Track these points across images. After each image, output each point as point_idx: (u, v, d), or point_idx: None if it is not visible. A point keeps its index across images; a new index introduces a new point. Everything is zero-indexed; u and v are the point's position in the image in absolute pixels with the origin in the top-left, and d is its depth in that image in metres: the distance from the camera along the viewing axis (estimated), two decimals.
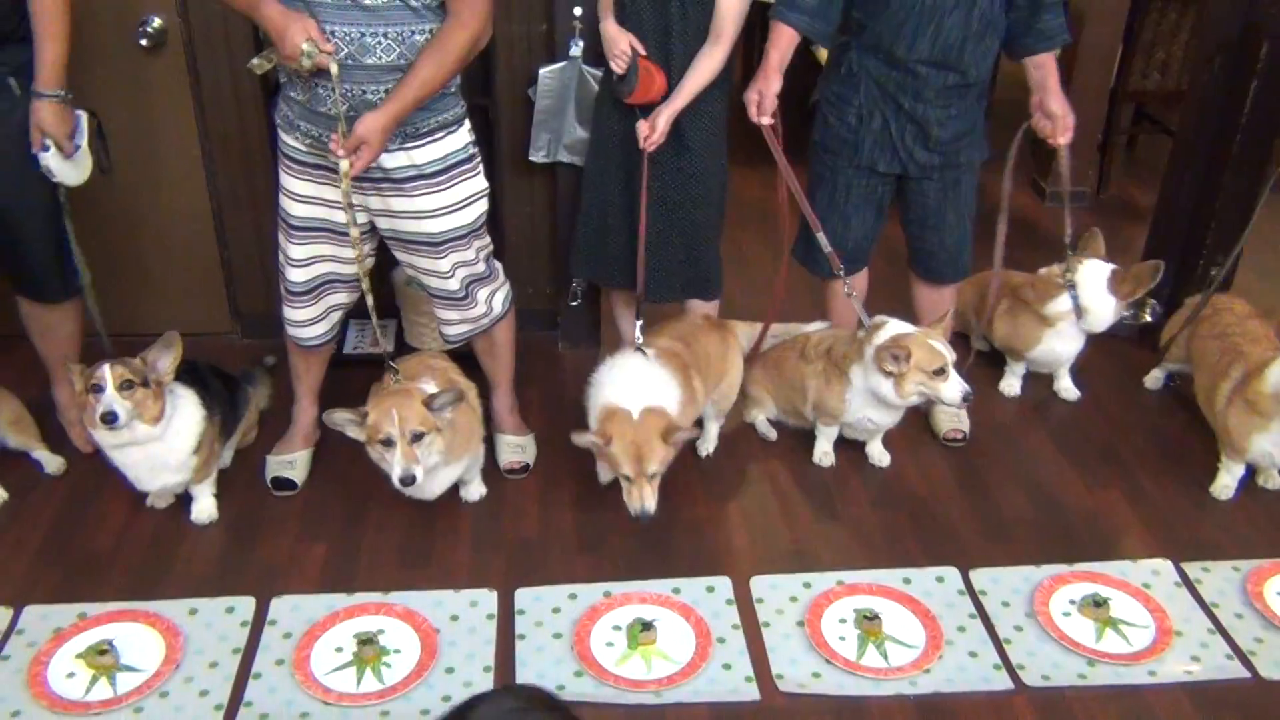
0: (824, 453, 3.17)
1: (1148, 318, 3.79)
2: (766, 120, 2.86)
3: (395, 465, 2.50)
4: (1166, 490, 3.05)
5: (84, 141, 2.72)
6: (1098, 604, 2.63)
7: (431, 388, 2.66)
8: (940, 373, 2.82)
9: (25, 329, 3.04)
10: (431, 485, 2.71)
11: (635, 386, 2.74)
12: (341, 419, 2.56)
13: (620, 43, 2.79)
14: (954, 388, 2.83)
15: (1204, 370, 3.14)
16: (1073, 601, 2.64)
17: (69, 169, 2.69)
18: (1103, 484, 3.07)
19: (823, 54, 3.37)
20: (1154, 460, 3.16)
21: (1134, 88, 4.83)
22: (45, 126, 2.60)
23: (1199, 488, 3.04)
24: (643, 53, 2.79)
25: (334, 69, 2.39)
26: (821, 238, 2.99)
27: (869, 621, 2.57)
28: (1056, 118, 2.91)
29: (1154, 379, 3.52)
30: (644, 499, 2.65)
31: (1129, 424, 3.35)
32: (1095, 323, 3.24)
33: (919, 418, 3.32)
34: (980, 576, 2.72)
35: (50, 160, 2.64)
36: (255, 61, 2.58)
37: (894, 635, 2.54)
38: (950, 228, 3.03)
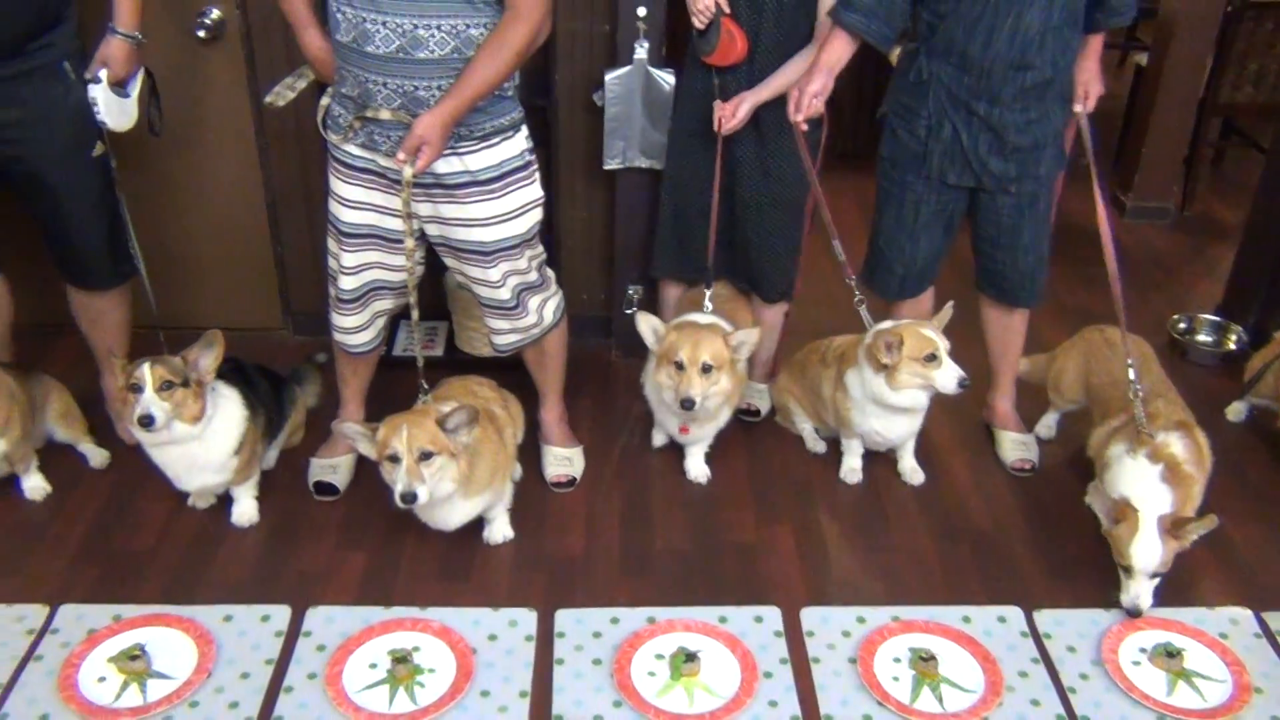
0: (851, 469, 3.07)
1: (1231, 346, 3.61)
2: (800, 118, 2.75)
3: (398, 482, 2.41)
4: (1248, 533, 2.87)
5: (134, 93, 2.72)
6: (1170, 654, 2.48)
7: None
8: (932, 359, 2.75)
9: (75, 319, 3.02)
10: (448, 516, 2.62)
11: (699, 319, 2.92)
12: (352, 431, 2.49)
13: None
14: (948, 375, 2.75)
15: None
16: (1143, 650, 2.50)
17: (114, 108, 2.67)
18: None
19: (894, 57, 3.23)
20: (1235, 500, 2.98)
21: (1224, 100, 4.63)
22: (109, 60, 2.63)
23: None
24: (726, 11, 2.72)
25: (407, 173, 2.41)
26: (837, 245, 2.88)
27: (925, 662, 2.44)
28: (1085, 84, 2.78)
29: (1236, 412, 3.34)
30: (691, 386, 2.73)
31: None
32: None
33: (985, 445, 3.19)
34: (1045, 618, 2.59)
35: (99, 92, 2.63)
36: (276, 91, 2.68)
37: (951, 678, 2.42)
38: (1025, 248, 2.88)
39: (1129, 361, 2.75)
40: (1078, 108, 2.78)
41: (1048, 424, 3.26)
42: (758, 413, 3.31)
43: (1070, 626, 2.56)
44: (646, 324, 2.86)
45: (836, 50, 2.70)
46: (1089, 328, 3.09)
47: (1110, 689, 2.40)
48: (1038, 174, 2.77)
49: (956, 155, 2.75)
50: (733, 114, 2.79)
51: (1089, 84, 2.78)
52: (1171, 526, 2.47)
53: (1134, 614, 2.54)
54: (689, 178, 3.02)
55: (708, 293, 3.01)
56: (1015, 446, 3.13)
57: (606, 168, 3.23)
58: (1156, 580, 2.54)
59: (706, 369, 2.76)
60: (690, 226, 3.07)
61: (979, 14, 2.56)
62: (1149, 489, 2.55)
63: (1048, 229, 2.91)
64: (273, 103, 2.73)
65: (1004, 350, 3.13)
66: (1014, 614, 2.60)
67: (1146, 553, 2.48)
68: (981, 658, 2.46)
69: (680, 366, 2.76)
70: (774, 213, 3.00)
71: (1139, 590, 2.53)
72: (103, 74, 2.62)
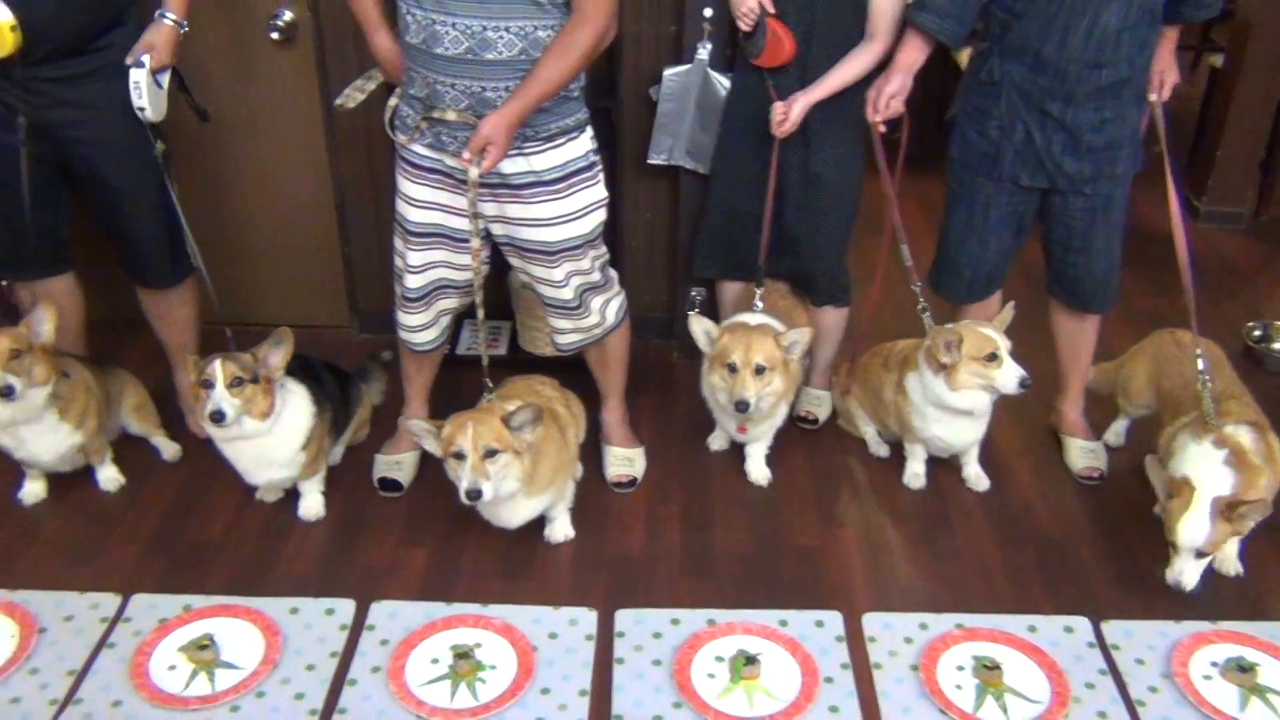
0: (914, 474, 3.03)
1: None
2: (879, 119, 2.74)
3: (463, 478, 2.43)
4: None
5: (165, 83, 2.72)
6: (1244, 669, 2.42)
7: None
8: (993, 359, 2.71)
9: (146, 318, 3.10)
10: (511, 514, 2.63)
11: (751, 318, 2.92)
12: (419, 428, 2.51)
13: (748, 0, 2.71)
14: (1009, 375, 2.71)
15: None
16: (1215, 664, 2.44)
17: (154, 96, 2.68)
18: (1253, 534, 2.83)
19: (964, 58, 3.20)
20: None
21: None
22: (156, 43, 2.65)
23: None
24: (771, 11, 2.71)
25: (473, 173, 2.42)
26: (905, 250, 2.86)
27: (989, 671, 2.41)
28: (1161, 74, 2.73)
29: None
30: (745, 388, 2.73)
31: None
32: None
33: (1052, 452, 3.14)
34: (1113, 629, 2.54)
35: (141, 76, 2.64)
36: (346, 93, 2.67)
37: (1015, 687, 2.38)
38: (1099, 251, 2.82)
39: (1198, 351, 2.70)
40: (1153, 97, 2.73)
41: (1117, 431, 3.20)
42: (816, 420, 3.28)
43: (1139, 638, 2.51)
44: (699, 326, 2.85)
45: (913, 51, 2.69)
46: (1159, 331, 3.03)
47: (1180, 703, 2.35)
48: (1113, 174, 2.71)
49: (1029, 156, 2.71)
50: (785, 114, 2.77)
51: (1164, 73, 2.73)
52: (1225, 509, 2.44)
53: (1177, 590, 2.52)
54: (737, 178, 2.99)
55: (758, 292, 3.00)
56: (1083, 454, 3.07)
57: (650, 162, 3.23)
58: (1204, 561, 2.52)
59: (759, 370, 2.75)
60: (740, 227, 3.04)
61: (1054, 12, 2.53)
62: (1209, 469, 2.51)
63: (1121, 231, 2.85)
64: (343, 105, 2.77)
65: (1074, 356, 3.07)
66: (1081, 624, 2.55)
67: (1194, 530, 2.45)
68: (1048, 667, 2.42)
69: (733, 369, 2.76)
70: (821, 215, 2.96)
71: (1183, 567, 2.50)
72: (146, 59, 2.63)
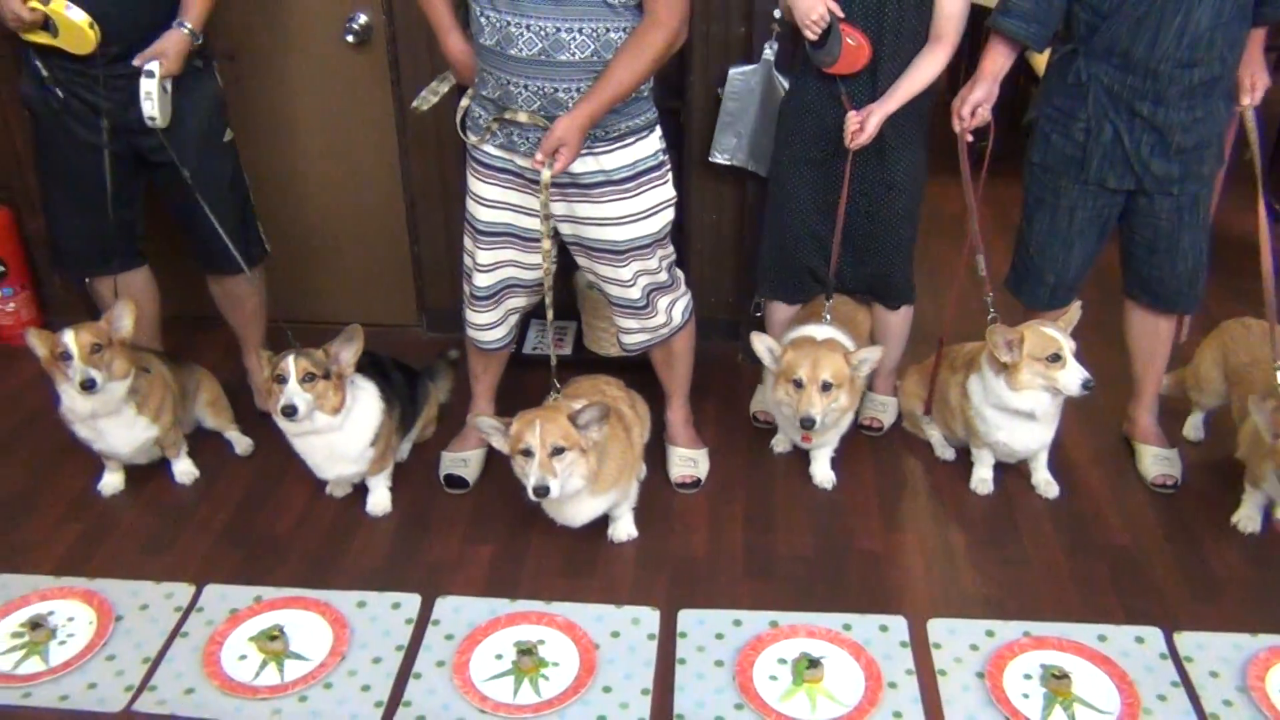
0: (981, 480, 2.99)
1: None
2: (966, 127, 2.69)
3: (530, 475, 2.45)
4: None
5: (169, 89, 2.73)
6: None
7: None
8: (1056, 359, 2.66)
9: (217, 306, 3.19)
10: (576, 512, 2.64)
11: (818, 330, 2.90)
12: (487, 425, 2.53)
13: (817, 7, 2.61)
14: (1073, 375, 2.66)
15: None
16: None
17: (161, 102, 2.69)
18: None
19: (1039, 63, 3.15)
20: None
21: None
22: (167, 51, 2.68)
23: None
24: (841, 15, 2.63)
25: (545, 174, 2.44)
26: (980, 260, 2.82)
27: (1057, 680, 2.37)
28: (1252, 77, 2.66)
29: None
30: (812, 405, 2.71)
31: None
32: None
33: (1124, 459, 3.08)
34: (1186, 640, 2.48)
35: (151, 85, 2.66)
36: (422, 96, 2.72)
37: (1085, 698, 2.34)
38: (1185, 252, 2.76)
39: (1275, 324, 2.68)
40: (1245, 100, 2.67)
41: (1194, 424, 3.17)
42: (881, 428, 3.25)
43: (1213, 650, 2.45)
44: (762, 344, 2.82)
45: (998, 58, 2.65)
46: (1226, 320, 2.98)
47: (1256, 718, 2.29)
48: (1200, 173, 2.66)
49: (1118, 158, 2.66)
50: (861, 126, 2.69)
51: (1255, 76, 2.66)
52: None
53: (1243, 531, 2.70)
54: (800, 199, 2.92)
55: (827, 304, 2.95)
56: (1157, 461, 3.01)
57: (711, 160, 3.22)
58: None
59: (826, 387, 2.72)
60: (799, 245, 2.98)
61: (1144, 12, 2.48)
62: None
63: (1208, 231, 2.79)
64: (418, 107, 2.81)
65: (1150, 359, 3.01)
66: (1153, 635, 2.50)
67: None
68: (1118, 678, 2.37)
69: (799, 384, 2.73)
70: (898, 220, 2.92)
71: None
72: (155, 67, 2.65)
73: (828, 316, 2.94)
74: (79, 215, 2.89)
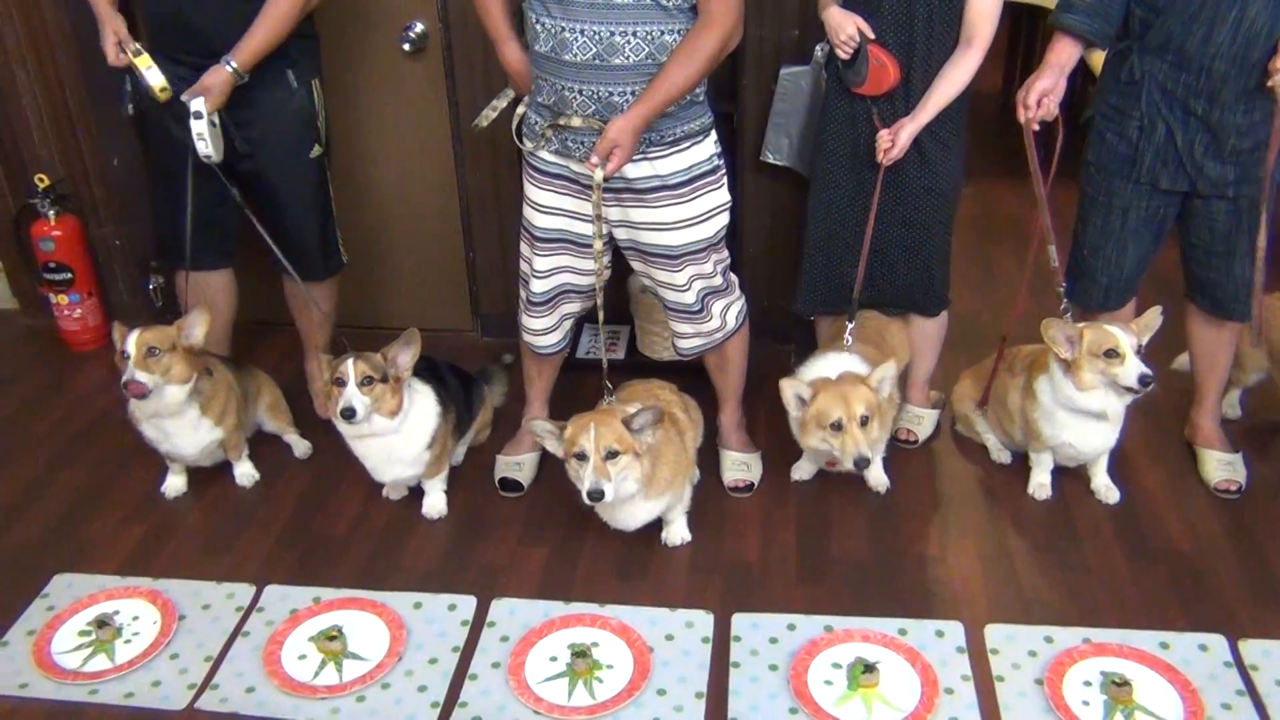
0: (1039, 484, 2.95)
1: None
2: (1032, 117, 2.65)
3: (585, 479, 2.47)
4: None
5: (217, 123, 2.77)
6: None
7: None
8: (1113, 354, 2.63)
9: (288, 308, 3.26)
10: (630, 516, 2.65)
11: (836, 365, 2.80)
12: (542, 429, 2.56)
13: (847, 27, 2.62)
14: (1130, 370, 2.63)
15: None
16: None
17: (214, 138, 2.74)
18: None
19: (1097, 63, 3.11)
20: None
21: None
22: (213, 87, 2.72)
23: None
24: (871, 37, 2.63)
25: (598, 176, 2.46)
26: (1053, 250, 2.79)
27: (1118, 688, 2.33)
28: None
29: None
30: (859, 444, 2.63)
31: None
32: None
33: (1186, 464, 3.03)
34: (1251, 648, 2.43)
35: (202, 126, 2.71)
36: (483, 113, 2.78)
37: (1146, 706, 2.30)
38: (1243, 255, 2.71)
39: None
40: None
41: (1231, 401, 3.16)
42: (915, 440, 3.18)
43: None
44: (791, 391, 2.71)
45: (1064, 52, 2.62)
46: (1268, 296, 2.91)
47: None
48: (1258, 176, 2.61)
49: (1170, 158, 2.62)
50: (893, 141, 2.67)
51: None
52: None
53: None
54: (836, 210, 2.90)
55: (849, 326, 2.88)
56: (1220, 467, 2.95)
57: (762, 159, 3.22)
58: None
59: (864, 421, 2.65)
60: (839, 257, 2.95)
61: (1198, 8, 2.44)
62: None
63: (1268, 236, 2.74)
64: (478, 125, 2.85)
65: (1210, 365, 2.97)
66: (1217, 642, 2.45)
67: None
68: (1181, 686, 2.33)
69: (838, 427, 2.66)
70: (936, 225, 2.88)
71: None
72: (202, 105, 2.70)
73: (849, 339, 2.87)
74: (172, 211, 2.98)
